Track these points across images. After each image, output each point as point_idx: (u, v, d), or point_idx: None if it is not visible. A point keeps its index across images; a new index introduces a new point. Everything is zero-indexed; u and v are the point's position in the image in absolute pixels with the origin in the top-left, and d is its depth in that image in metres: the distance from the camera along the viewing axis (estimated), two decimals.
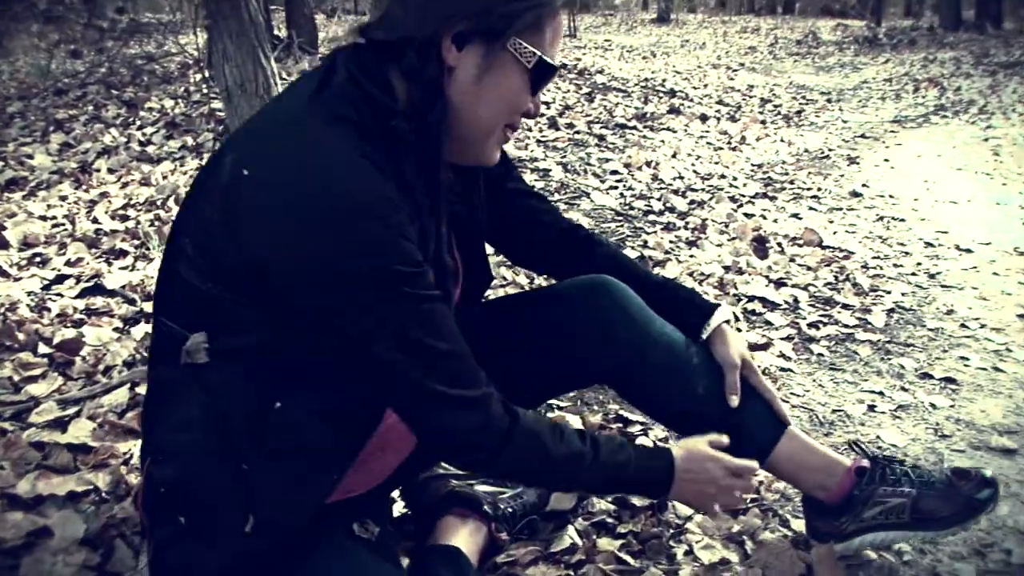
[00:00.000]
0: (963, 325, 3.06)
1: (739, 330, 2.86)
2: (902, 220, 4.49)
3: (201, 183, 1.26)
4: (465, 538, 1.63)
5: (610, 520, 1.83)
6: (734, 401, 1.59)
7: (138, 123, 5.73)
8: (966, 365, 2.73)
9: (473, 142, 1.30)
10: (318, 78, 1.21)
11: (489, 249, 1.65)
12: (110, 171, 4.61)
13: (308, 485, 1.27)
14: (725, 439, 1.53)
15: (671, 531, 1.80)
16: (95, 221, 3.70)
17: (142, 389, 2.27)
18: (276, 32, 9.22)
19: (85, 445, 2.00)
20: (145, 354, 2.50)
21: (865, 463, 1.65)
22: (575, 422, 2.17)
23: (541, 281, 3.06)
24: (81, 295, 2.90)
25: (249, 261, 1.14)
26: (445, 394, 1.20)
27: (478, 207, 1.53)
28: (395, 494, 1.78)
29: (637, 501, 1.87)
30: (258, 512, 1.22)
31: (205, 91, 6.49)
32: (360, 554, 1.35)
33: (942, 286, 3.48)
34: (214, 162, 1.24)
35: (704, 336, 1.65)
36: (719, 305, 1.68)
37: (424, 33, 1.20)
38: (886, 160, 6.14)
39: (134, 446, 2.01)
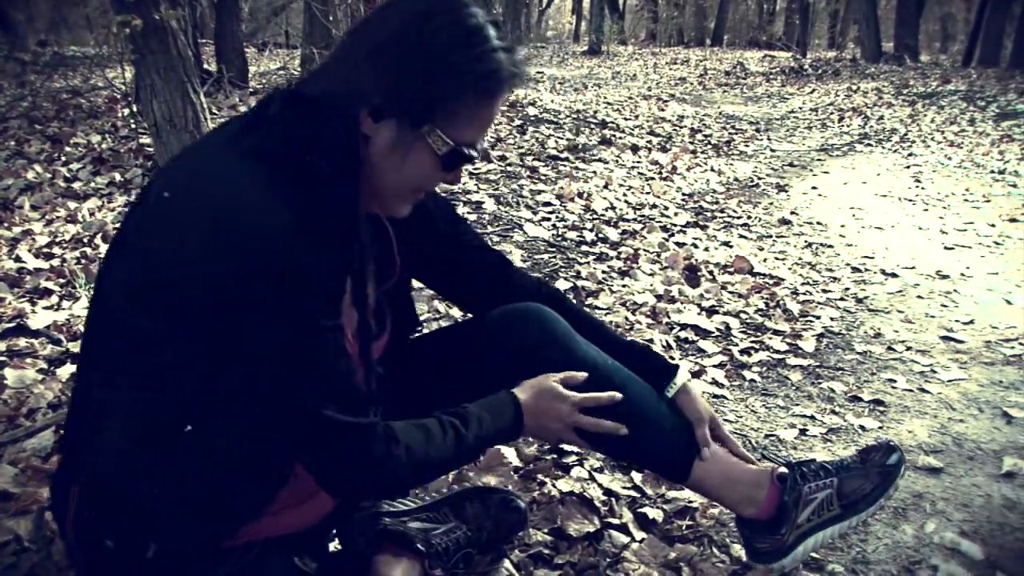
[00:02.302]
0: (890, 348, 3.13)
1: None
2: (830, 246, 4.60)
3: (130, 213, 1.29)
4: None
5: (547, 552, 1.82)
6: (706, 454, 1.66)
7: (63, 159, 5.59)
8: (893, 387, 2.79)
9: (383, 199, 1.32)
10: (251, 114, 1.25)
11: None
12: (34, 208, 4.49)
13: (213, 518, 1.27)
14: (581, 375, 1.59)
15: (608, 560, 1.80)
16: (18, 260, 3.59)
17: None
18: (206, 66, 9.11)
19: (6, 492, 1.93)
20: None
21: (783, 469, 1.70)
22: (510, 454, 2.16)
23: None
24: (2, 336, 2.81)
25: (162, 279, 1.15)
26: (337, 421, 1.20)
27: (401, 253, 1.56)
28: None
29: (573, 532, 1.87)
30: (160, 540, 1.23)
31: (133, 126, 6.38)
32: None
33: (869, 310, 3.56)
34: (143, 192, 1.27)
35: (670, 394, 1.70)
36: (679, 365, 1.74)
37: (345, 100, 1.22)
38: (814, 188, 6.28)
39: None
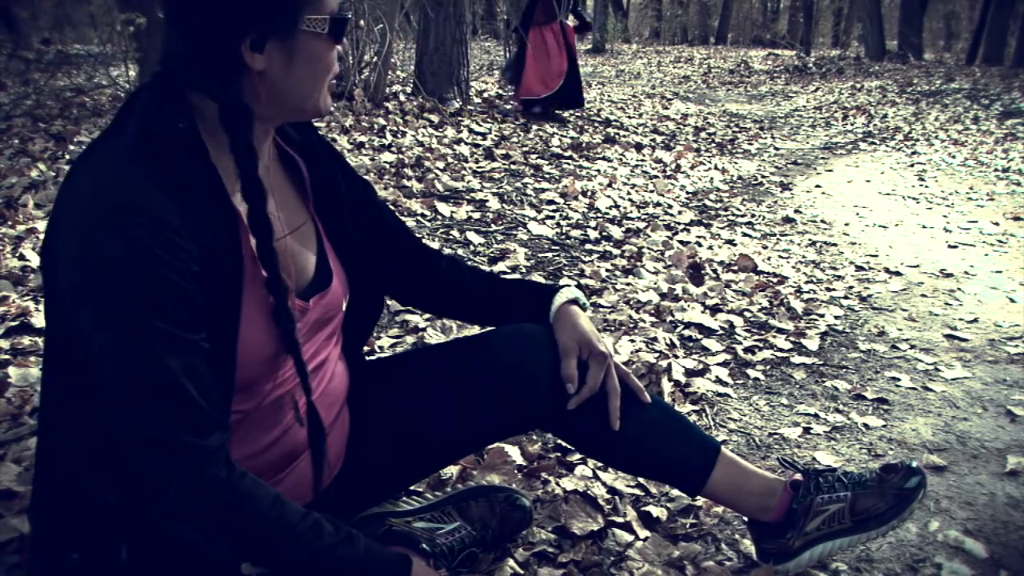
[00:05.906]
0: (894, 346, 3.12)
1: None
2: (834, 245, 4.59)
3: None
4: None
5: (550, 550, 1.81)
6: (570, 388, 1.57)
7: (67, 157, 5.59)
8: (897, 385, 2.78)
9: (304, 108, 1.27)
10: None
11: None
12: (37, 206, 4.49)
13: None
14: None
15: (612, 559, 1.80)
16: (21, 258, 3.60)
17: None
18: None
19: (9, 490, 1.93)
20: None
21: (798, 476, 1.70)
22: (514, 452, 2.16)
23: None
24: (6, 334, 2.81)
25: (44, 273, 1.16)
26: (163, 438, 1.09)
27: (346, 215, 1.51)
28: None
29: (577, 530, 1.86)
30: (131, 540, 1.22)
31: None
32: None
33: (873, 308, 3.56)
34: None
35: (552, 322, 1.64)
36: (562, 287, 1.68)
37: (216, 56, 1.17)
38: (817, 186, 6.27)
39: None
